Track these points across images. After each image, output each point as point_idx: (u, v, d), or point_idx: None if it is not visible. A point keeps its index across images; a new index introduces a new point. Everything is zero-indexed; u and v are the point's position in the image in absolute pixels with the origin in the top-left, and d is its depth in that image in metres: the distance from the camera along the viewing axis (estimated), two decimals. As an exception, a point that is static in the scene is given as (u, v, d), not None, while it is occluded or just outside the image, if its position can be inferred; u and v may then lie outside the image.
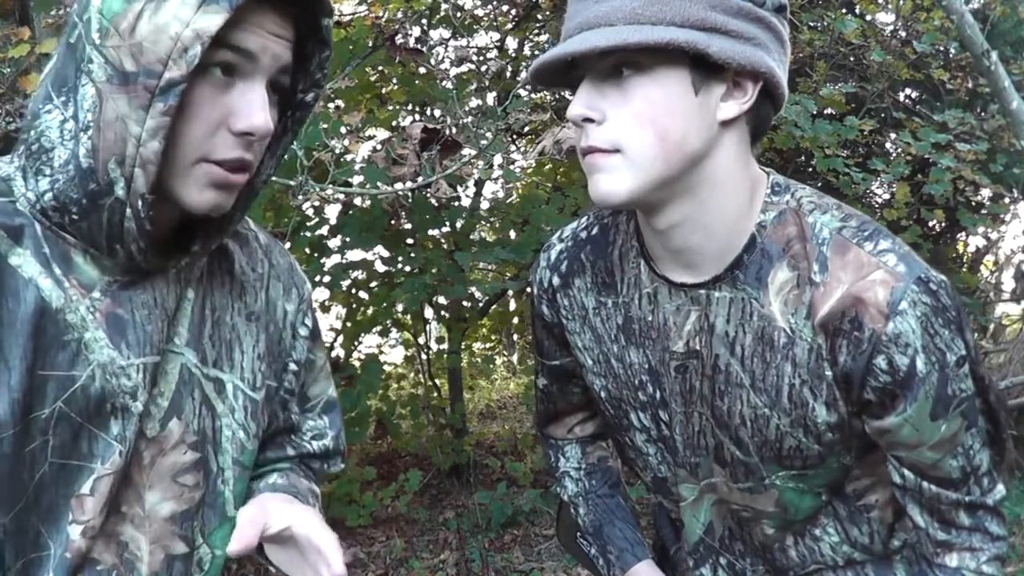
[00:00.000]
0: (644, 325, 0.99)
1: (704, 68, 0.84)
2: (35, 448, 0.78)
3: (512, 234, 4.10)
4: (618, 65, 0.84)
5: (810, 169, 4.25)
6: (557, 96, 4.56)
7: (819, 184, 3.79)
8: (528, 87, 3.29)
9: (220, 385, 0.91)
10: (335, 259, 3.92)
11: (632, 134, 0.84)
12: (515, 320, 5.92)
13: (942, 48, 4.19)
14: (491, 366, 6.31)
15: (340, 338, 4.37)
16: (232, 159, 0.79)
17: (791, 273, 0.90)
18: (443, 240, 4.07)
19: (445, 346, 4.73)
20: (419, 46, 2.88)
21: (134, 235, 0.78)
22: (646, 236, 0.97)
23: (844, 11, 4.08)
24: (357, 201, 3.71)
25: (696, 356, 0.96)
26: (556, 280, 1.07)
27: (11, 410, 0.75)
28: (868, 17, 4.37)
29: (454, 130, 2.47)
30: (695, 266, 0.93)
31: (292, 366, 1.00)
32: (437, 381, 4.96)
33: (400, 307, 4.20)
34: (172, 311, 0.86)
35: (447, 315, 4.58)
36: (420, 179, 2.41)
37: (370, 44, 2.88)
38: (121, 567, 0.84)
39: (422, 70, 3.59)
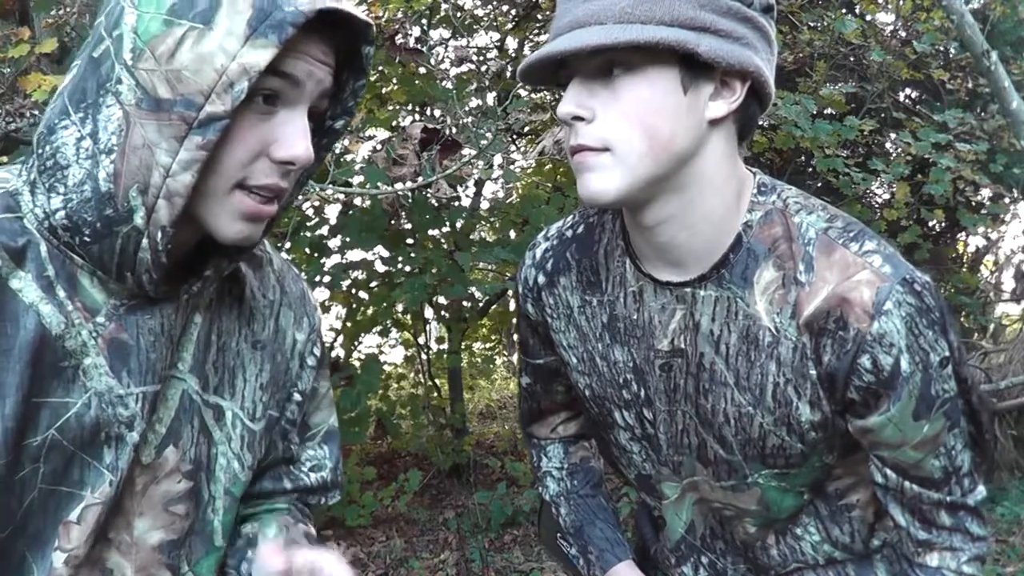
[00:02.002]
0: (629, 323, 0.99)
1: (693, 67, 0.84)
2: (25, 475, 0.75)
3: (512, 234, 4.11)
4: (608, 64, 0.84)
5: (810, 169, 4.25)
6: (557, 96, 4.55)
7: (819, 184, 3.80)
8: (528, 87, 3.28)
9: (219, 412, 0.88)
10: (335, 259, 3.92)
11: (622, 133, 0.85)
12: (515, 320, 5.91)
13: (942, 48, 4.19)
14: (491, 366, 6.32)
15: (340, 338, 4.38)
16: (269, 185, 0.76)
17: (776, 273, 0.91)
18: (443, 240, 4.07)
19: (445, 346, 4.73)
20: (419, 46, 2.88)
21: (147, 266, 0.75)
22: (632, 234, 0.97)
23: (844, 11, 4.08)
24: (357, 201, 3.71)
25: (681, 354, 0.96)
26: (541, 278, 1.07)
27: (3, 440, 0.72)
28: (868, 17, 4.37)
29: (454, 130, 2.48)
30: (681, 264, 0.94)
31: (296, 396, 0.97)
32: (437, 381, 4.96)
33: (400, 307, 4.20)
34: (178, 337, 0.83)
35: (447, 315, 4.58)
36: (420, 179, 2.41)
37: (370, 44, 2.87)
38: None
39: (422, 70, 3.59)
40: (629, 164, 0.85)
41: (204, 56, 0.70)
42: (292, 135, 0.76)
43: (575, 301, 1.04)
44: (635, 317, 0.98)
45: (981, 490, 0.96)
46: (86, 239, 0.74)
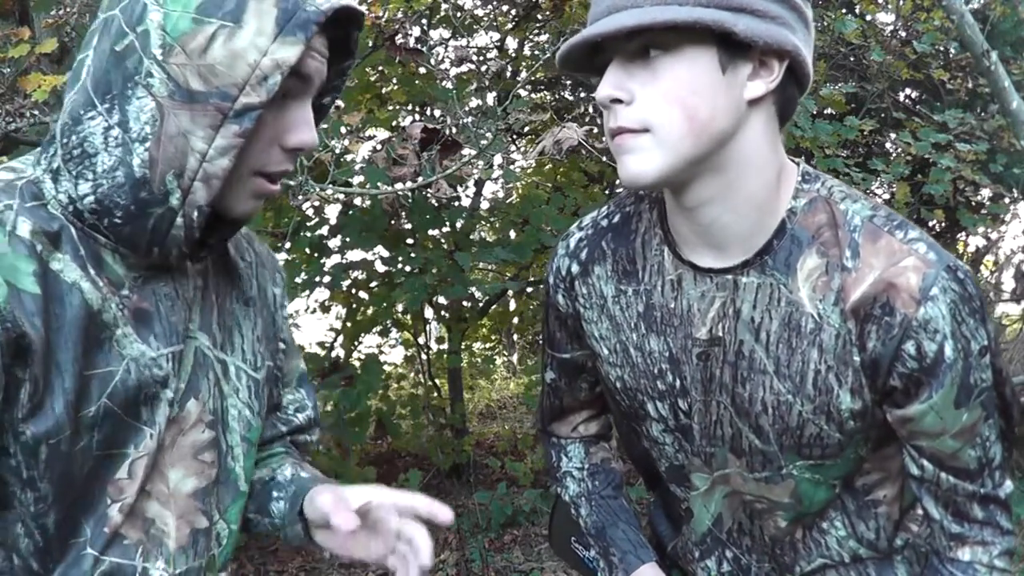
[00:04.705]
0: (666, 312, 0.99)
1: (731, 47, 0.85)
2: (83, 445, 0.81)
3: (512, 234, 4.10)
4: (645, 46, 0.85)
5: (810, 169, 4.25)
6: (557, 96, 4.56)
7: (819, 184, 3.79)
8: (528, 87, 3.29)
9: (225, 367, 0.95)
10: (335, 259, 3.92)
11: (661, 113, 0.85)
12: (515, 320, 5.92)
13: (942, 48, 4.19)
14: (491, 366, 6.31)
15: (340, 338, 4.37)
16: (281, 172, 0.86)
17: (820, 260, 0.92)
18: (443, 240, 4.07)
19: (445, 346, 4.73)
20: (419, 46, 2.87)
21: (179, 241, 0.82)
22: (674, 218, 0.98)
23: (844, 11, 4.08)
24: (357, 201, 3.71)
25: (719, 343, 0.96)
26: (575, 267, 1.07)
27: (67, 412, 0.78)
28: (868, 17, 4.37)
29: (454, 130, 2.47)
30: (723, 247, 0.94)
31: (281, 344, 1.06)
32: (437, 381, 4.95)
33: (400, 307, 4.19)
34: (191, 300, 0.90)
35: (447, 315, 4.58)
36: (420, 179, 2.41)
37: (370, 44, 2.88)
38: (147, 543, 0.87)
39: (422, 70, 3.59)
40: (669, 145, 0.86)
41: (237, 52, 0.76)
42: (302, 124, 0.84)
43: (609, 291, 1.04)
44: (672, 306, 0.99)
45: (1009, 484, 0.97)
46: (116, 221, 0.80)
